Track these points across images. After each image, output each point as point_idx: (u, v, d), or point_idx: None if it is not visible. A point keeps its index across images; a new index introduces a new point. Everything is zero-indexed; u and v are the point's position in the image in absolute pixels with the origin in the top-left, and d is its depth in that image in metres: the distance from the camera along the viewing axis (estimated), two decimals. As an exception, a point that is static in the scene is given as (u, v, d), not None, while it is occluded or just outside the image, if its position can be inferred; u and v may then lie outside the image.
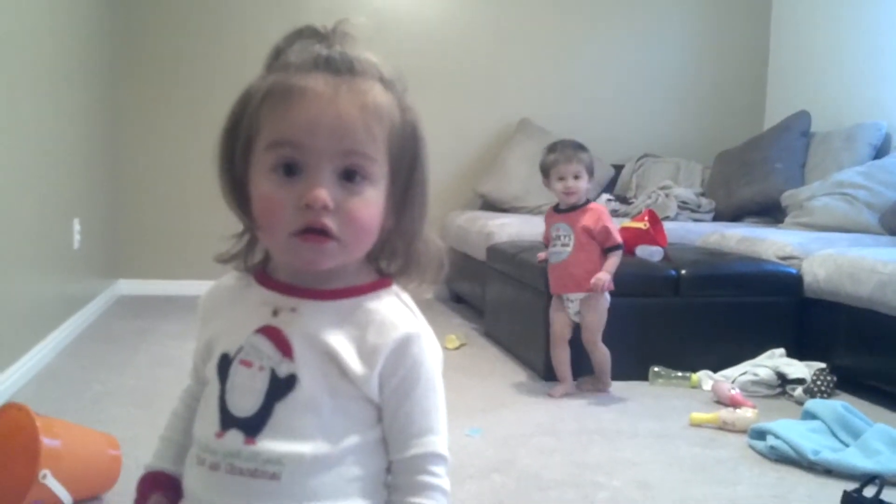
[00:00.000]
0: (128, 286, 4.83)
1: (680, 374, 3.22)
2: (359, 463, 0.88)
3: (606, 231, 2.94)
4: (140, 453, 2.24)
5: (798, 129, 4.76)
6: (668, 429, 2.69)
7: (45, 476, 1.76)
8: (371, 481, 0.89)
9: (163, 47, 4.81)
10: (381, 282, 0.93)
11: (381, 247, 0.93)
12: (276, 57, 0.88)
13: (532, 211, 4.66)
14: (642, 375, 3.22)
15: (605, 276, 2.89)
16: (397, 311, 0.90)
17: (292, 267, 0.90)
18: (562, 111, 5.20)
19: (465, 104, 5.15)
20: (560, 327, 3.06)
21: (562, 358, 3.07)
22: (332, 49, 0.86)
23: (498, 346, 3.79)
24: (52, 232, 3.39)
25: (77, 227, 3.75)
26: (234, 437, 0.86)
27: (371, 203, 0.86)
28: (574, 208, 3.00)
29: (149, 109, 4.79)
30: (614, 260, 2.93)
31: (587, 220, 2.95)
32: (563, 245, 3.00)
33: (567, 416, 2.80)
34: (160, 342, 3.62)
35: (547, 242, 3.13)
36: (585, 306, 2.99)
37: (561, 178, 2.97)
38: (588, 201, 3.03)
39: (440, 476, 0.89)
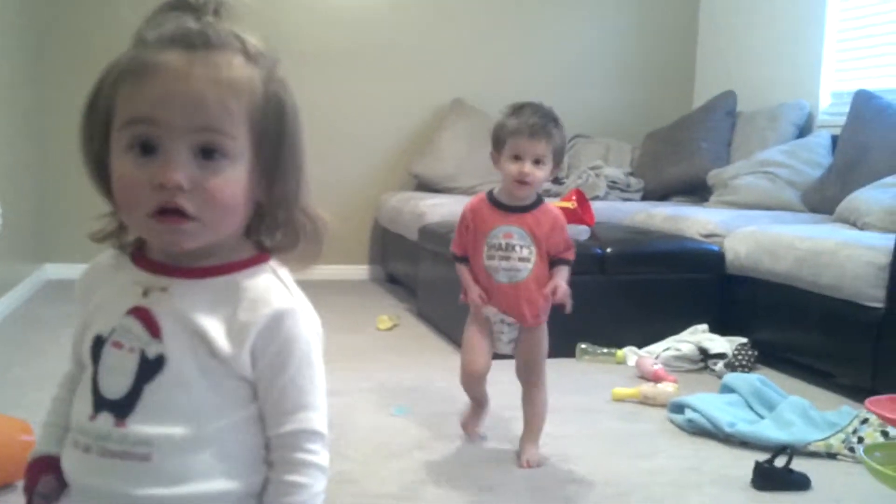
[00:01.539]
0: (55, 270, 4.73)
1: (606, 350, 3.28)
2: (233, 441, 0.88)
3: (570, 245, 2.24)
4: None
5: (724, 109, 4.85)
6: (591, 404, 2.75)
7: (-46, 463, 1.74)
8: (246, 459, 0.89)
9: (89, 24, 4.68)
10: (258, 257, 0.92)
11: (259, 220, 0.92)
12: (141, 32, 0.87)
13: (466, 191, 4.67)
14: (569, 353, 3.26)
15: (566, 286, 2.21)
16: (271, 288, 0.89)
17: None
18: (495, 91, 5.17)
19: (398, 84, 5.13)
20: (482, 359, 2.25)
21: (480, 402, 2.36)
22: (197, 22, 0.85)
23: (430, 326, 3.81)
24: (-29, 215, 3.31)
25: (-1, 210, 3.66)
26: (105, 420, 0.86)
27: (231, 181, 0.85)
28: (527, 208, 2.20)
29: (74, 88, 4.62)
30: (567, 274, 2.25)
31: (554, 231, 2.20)
32: (522, 259, 2.17)
33: (493, 392, 2.79)
34: (86, 326, 3.56)
35: (465, 249, 2.25)
36: (530, 333, 2.24)
37: (517, 158, 2.14)
38: (540, 198, 2.25)
39: (316, 453, 0.89)
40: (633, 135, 5.30)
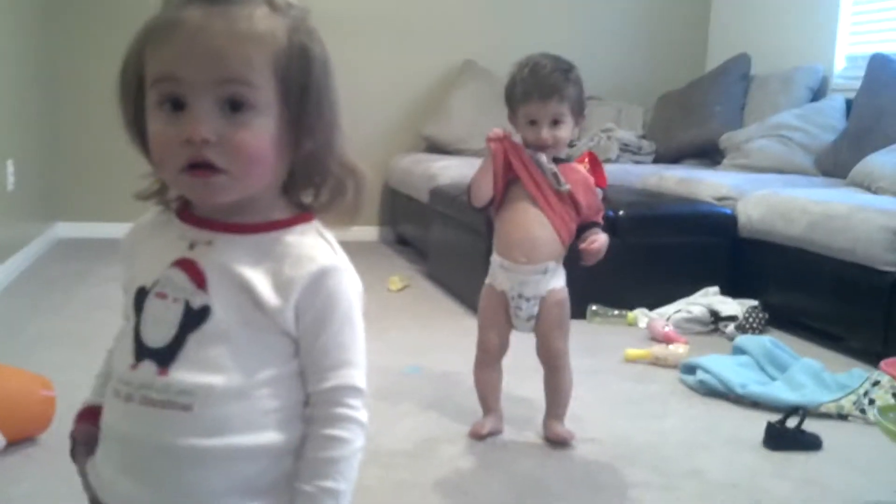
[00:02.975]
0: (66, 229, 4.74)
1: (616, 312, 3.29)
2: (273, 395, 0.88)
3: (600, 208, 2.14)
4: (76, 395, 2.21)
5: (738, 72, 4.81)
6: (601, 365, 2.76)
7: (-26, 417, 1.75)
8: (286, 414, 0.89)
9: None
10: (302, 216, 0.92)
11: (295, 177, 0.92)
12: None
13: (476, 154, 4.64)
14: (580, 314, 3.26)
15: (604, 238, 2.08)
16: (316, 246, 0.90)
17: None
18: (506, 53, 5.05)
19: (409, 46, 5.10)
20: (497, 340, 2.13)
21: (493, 382, 2.18)
22: None
23: (441, 288, 3.82)
24: (-17, 174, 3.32)
25: (11, 168, 3.67)
26: (148, 369, 0.87)
27: (258, 132, 0.85)
28: (558, 160, 2.09)
29: (86, 46, 4.64)
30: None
31: (582, 189, 2.08)
32: (555, 175, 2.04)
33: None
34: (98, 285, 3.57)
35: (491, 191, 2.09)
36: (552, 305, 2.10)
37: (532, 122, 2.04)
38: (568, 158, 2.16)
39: (357, 408, 0.89)
40: (645, 97, 5.26)
